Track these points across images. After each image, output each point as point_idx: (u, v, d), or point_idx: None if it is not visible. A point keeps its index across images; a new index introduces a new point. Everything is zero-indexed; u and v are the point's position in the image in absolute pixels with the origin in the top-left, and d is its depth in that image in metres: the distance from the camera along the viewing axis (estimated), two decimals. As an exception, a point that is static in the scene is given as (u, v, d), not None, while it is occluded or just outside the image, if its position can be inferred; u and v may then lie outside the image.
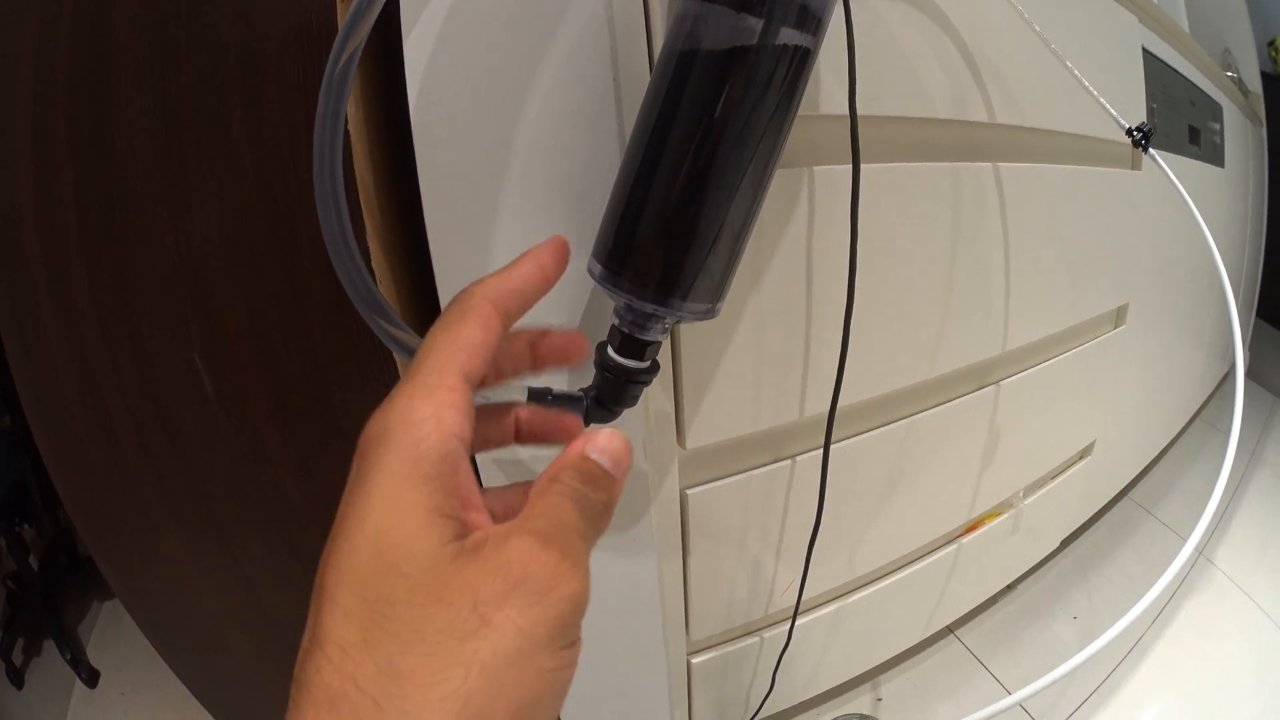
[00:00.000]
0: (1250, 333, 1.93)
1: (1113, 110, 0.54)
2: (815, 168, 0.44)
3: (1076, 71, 0.54)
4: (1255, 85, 1.77)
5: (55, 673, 1.01)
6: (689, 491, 0.51)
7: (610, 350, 0.33)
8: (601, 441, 0.23)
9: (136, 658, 1.02)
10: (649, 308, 0.31)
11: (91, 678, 0.98)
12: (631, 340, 0.33)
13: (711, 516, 0.52)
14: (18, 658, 1.02)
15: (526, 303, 0.26)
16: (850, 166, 0.41)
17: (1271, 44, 2.25)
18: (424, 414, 0.19)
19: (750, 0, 0.29)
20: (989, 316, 0.63)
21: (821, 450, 0.48)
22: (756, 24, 0.29)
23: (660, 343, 0.34)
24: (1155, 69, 0.90)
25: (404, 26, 0.35)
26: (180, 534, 0.56)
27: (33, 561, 1.08)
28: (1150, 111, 0.88)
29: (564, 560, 0.18)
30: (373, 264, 0.39)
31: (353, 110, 0.38)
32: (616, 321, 0.33)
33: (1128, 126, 0.54)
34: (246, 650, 0.60)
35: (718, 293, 0.33)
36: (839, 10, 0.39)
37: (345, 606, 0.17)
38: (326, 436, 0.47)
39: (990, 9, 0.55)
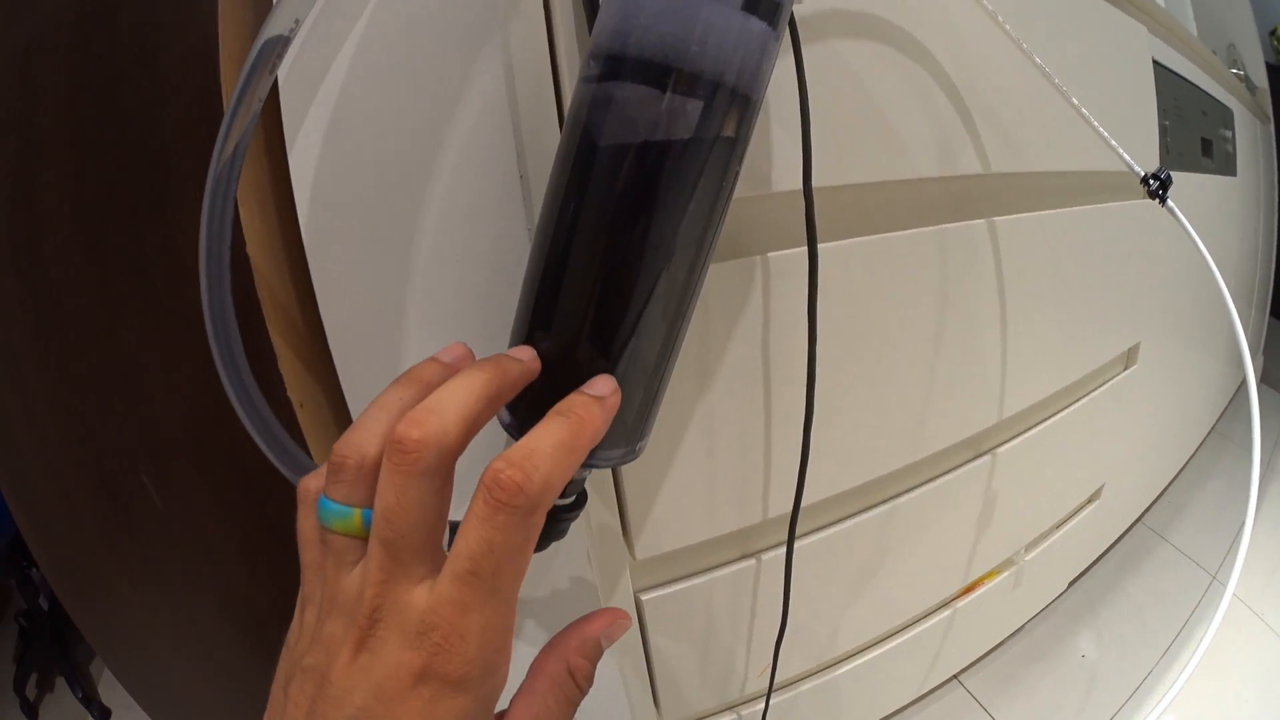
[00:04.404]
0: (1264, 338, 1.84)
1: (1126, 155, 0.46)
2: (770, 254, 0.38)
3: (1084, 110, 0.47)
4: (1261, 80, 1.69)
5: (67, 708, 1.02)
6: (644, 597, 0.46)
7: None
8: (616, 631, 0.26)
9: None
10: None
11: (103, 715, 0.99)
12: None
13: (671, 618, 0.48)
14: (31, 692, 1.04)
15: None
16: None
17: (1273, 33, 2.15)
18: (503, 665, 0.21)
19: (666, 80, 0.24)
20: (983, 387, 0.57)
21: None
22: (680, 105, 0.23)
23: (583, 480, 0.31)
24: (1167, 82, 0.82)
25: (287, 137, 0.31)
26: (144, 601, 0.55)
27: (43, 601, 1.09)
28: (1163, 130, 0.81)
29: None
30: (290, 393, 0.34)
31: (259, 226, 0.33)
32: None
33: (1143, 174, 0.48)
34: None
35: (634, 435, 0.29)
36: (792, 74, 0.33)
37: None
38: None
39: (981, 40, 0.48)
